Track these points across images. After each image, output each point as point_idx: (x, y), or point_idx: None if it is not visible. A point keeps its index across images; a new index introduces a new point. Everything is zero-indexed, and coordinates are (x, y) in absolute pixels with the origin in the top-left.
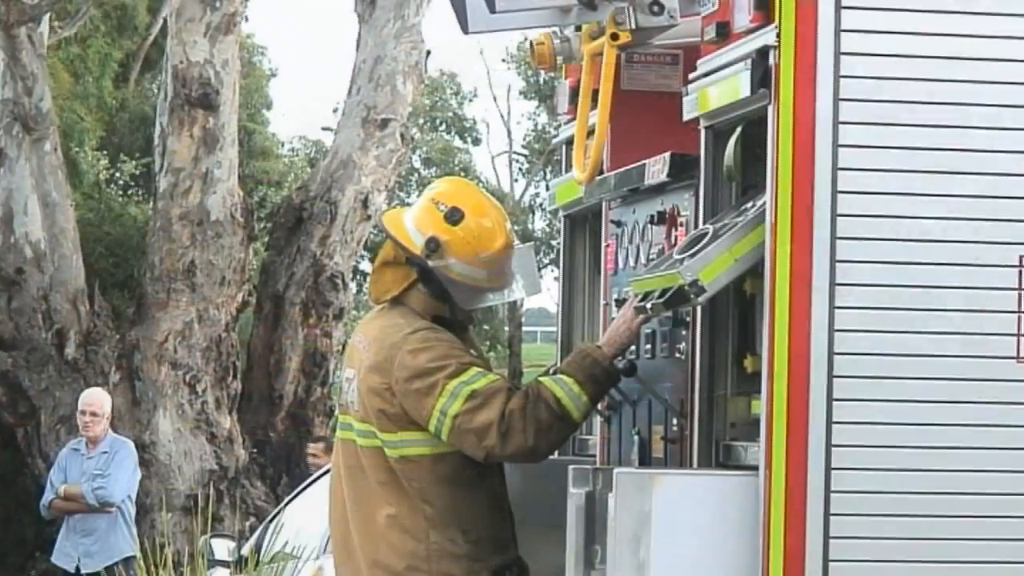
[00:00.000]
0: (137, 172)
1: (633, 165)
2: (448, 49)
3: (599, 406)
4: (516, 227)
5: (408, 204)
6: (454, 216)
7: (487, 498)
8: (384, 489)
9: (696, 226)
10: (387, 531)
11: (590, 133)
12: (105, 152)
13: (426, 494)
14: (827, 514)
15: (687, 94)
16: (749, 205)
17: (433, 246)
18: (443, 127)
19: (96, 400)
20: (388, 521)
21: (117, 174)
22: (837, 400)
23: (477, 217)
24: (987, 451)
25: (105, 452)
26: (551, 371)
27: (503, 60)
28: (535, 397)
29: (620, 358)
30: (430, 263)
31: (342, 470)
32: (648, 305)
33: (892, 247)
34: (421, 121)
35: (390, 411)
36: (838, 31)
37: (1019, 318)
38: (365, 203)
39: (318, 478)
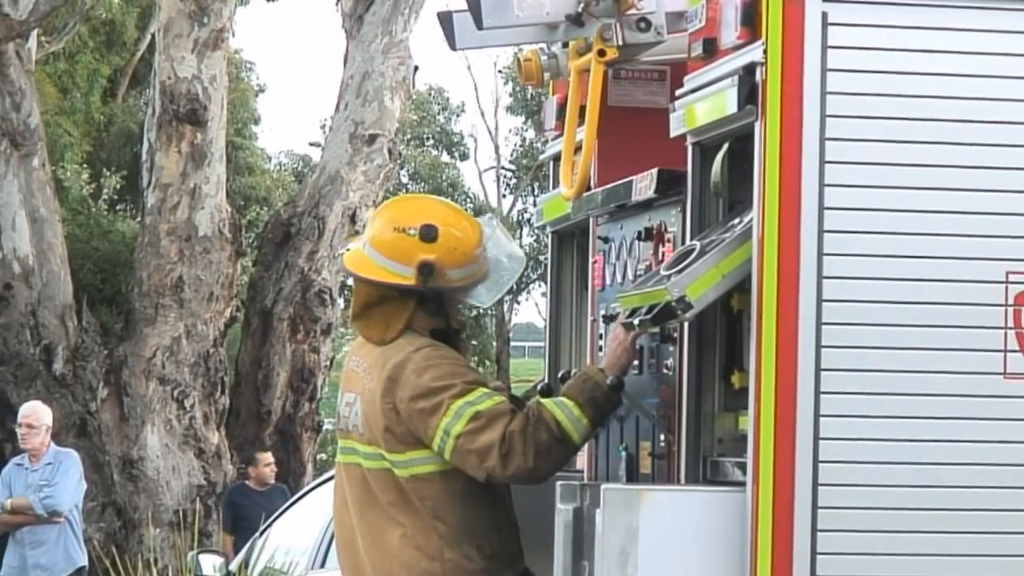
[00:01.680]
0: (118, 187)
1: (620, 181)
2: (435, 64)
3: None
4: None
5: None
6: (430, 234)
7: (497, 512)
8: (395, 509)
9: (683, 242)
10: (400, 551)
11: (577, 149)
12: (85, 167)
13: (439, 511)
14: (814, 530)
15: (674, 110)
16: (736, 221)
17: (427, 271)
18: (430, 142)
19: (32, 412)
20: (401, 541)
21: (104, 190)
22: (824, 416)
23: (447, 223)
24: (975, 467)
25: (49, 463)
26: (538, 388)
27: (499, 71)
28: (536, 419)
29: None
30: (432, 285)
31: (348, 494)
32: (635, 321)
33: (879, 263)
34: (408, 136)
35: (396, 431)
36: (825, 47)
37: (1006, 334)
38: (353, 218)
39: (306, 494)
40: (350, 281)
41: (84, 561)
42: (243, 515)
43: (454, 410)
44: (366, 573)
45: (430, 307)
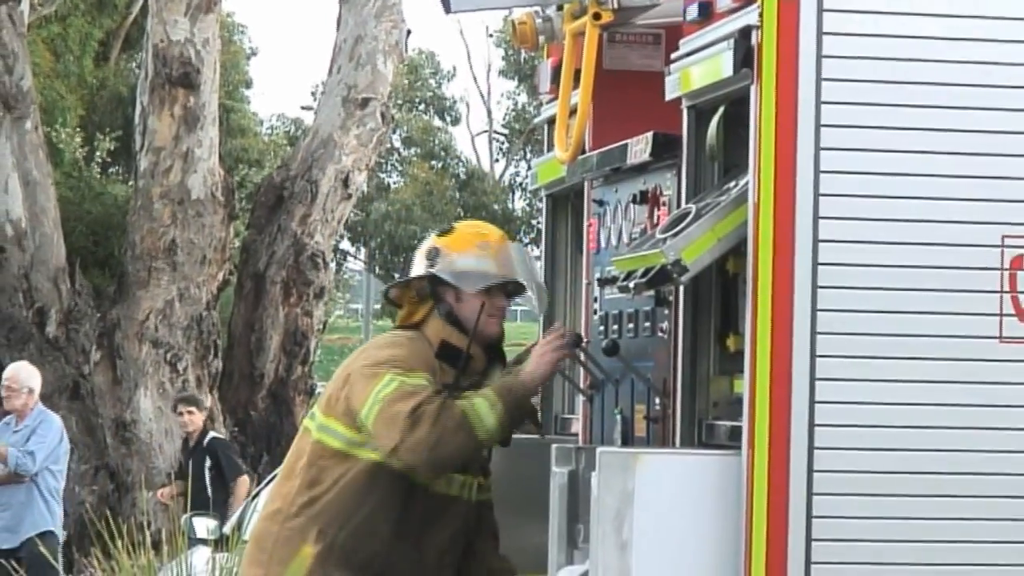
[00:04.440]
0: (112, 148)
1: (615, 144)
2: (427, 28)
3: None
4: (496, 206)
5: (388, 184)
6: (444, 229)
7: (380, 523)
8: (287, 460)
9: (678, 206)
10: (270, 517)
11: (572, 113)
12: (80, 130)
13: (317, 481)
14: (810, 492)
15: (669, 74)
16: (731, 185)
17: (432, 254)
18: (423, 106)
19: (13, 374)
20: (275, 509)
21: (96, 153)
22: (819, 380)
23: (465, 224)
24: (970, 431)
25: (28, 426)
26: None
27: (491, 35)
28: (449, 405)
29: (603, 337)
30: (434, 270)
31: None
32: (631, 284)
33: (875, 227)
34: (401, 101)
35: (334, 395)
36: (820, 10)
37: (1001, 298)
38: (346, 182)
39: None
40: (343, 245)
41: (52, 526)
42: None
43: (387, 378)
44: None
45: (442, 309)
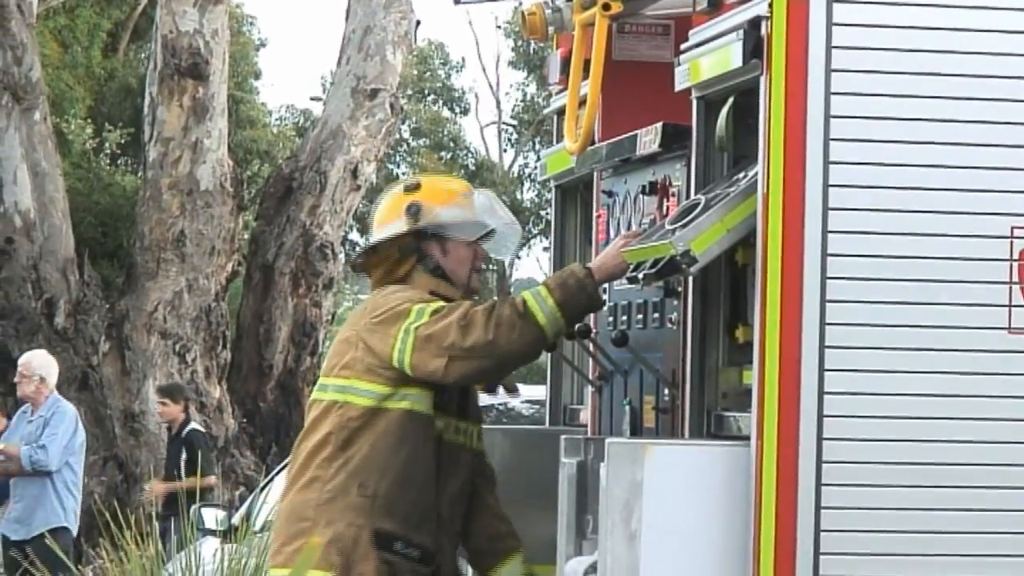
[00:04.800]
0: (123, 141)
1: (625, 135)
2: (436, 19)
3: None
4: (505, 198)
5: (397, 175)
6: (412, 184)
7: (415, 472)
8: (308, 438)
9: (688, 196)
10: (305, 487)
11: (582, 103)
12: (89, 121)
13: (350, 442)
14: (818, 484)
15: (679, 64)
16: (741, 176)
17: (414, 210)
18: (431, 97)
19: (27, 360)
20: (308, 479)
21: (105, 144)
22: (828, 371)
23: (430, 178)
24: (978, 421)
25: (42, 416)
26: None
27: (500, 26)
28: (503, 300)
29: (612, 328)
30: (419, 224)
31: None
32: (640, 275)
33: (884, 218)
34: (409, 91)
35: (347, 359)
36: (830, 2)
37: (1011, 289)
38: (355, 173)
39: None
40: (351, 236)
41: (65, 522)
42: None
43: (416, 310)
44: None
45: (428, 263)
